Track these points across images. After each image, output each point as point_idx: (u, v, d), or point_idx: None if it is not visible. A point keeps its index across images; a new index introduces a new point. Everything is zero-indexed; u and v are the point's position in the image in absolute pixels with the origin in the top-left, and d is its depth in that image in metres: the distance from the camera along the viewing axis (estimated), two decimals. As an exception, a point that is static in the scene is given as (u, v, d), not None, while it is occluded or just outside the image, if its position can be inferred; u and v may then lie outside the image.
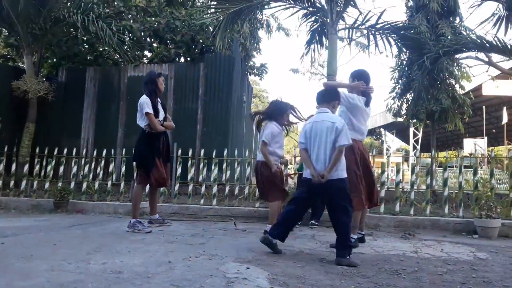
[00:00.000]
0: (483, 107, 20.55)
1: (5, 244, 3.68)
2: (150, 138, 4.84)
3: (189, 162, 6.92)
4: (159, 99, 5.02)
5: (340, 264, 3.24)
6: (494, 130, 25.04)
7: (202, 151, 7.11)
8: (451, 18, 9.95)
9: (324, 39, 7.56)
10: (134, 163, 5.15)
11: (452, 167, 18.71)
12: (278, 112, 4.55)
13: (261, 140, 4.49)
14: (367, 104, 4.23)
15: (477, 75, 12.99)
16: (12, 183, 7.33)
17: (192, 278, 2.67)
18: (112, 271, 2.79)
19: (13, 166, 7.57)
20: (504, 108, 19.51)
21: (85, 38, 9.96)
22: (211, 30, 9.00)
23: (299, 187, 3.70)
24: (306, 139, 3.65)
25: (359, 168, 4.04)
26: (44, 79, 9.05)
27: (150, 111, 4.75)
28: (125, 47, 8.94)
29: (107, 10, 9.42)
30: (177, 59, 10.03)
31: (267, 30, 12.81)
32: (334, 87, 4.15)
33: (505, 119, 19.60)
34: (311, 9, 7.22)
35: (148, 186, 5.20)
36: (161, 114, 4.98)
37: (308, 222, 5.52)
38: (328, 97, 3.84)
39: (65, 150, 7.52)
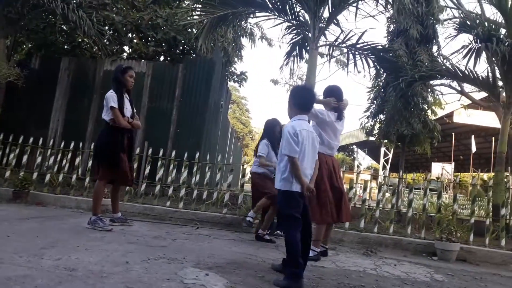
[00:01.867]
0: (453, 133, 21.23)
1: (-47, 232, 3.50)
2: (114, 132, 4.70)
3: (159, 163, 6.79)
4: (127, 96, 4.89)
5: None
6: (461, 157, 25.89)
7: (174, 153, 7.00)
8: (429, 45, 10.29)
9: (304, 52, 7.68)
10: (96, 158, 4.80)
11: (419, 189, 19.19)
12: (270, 129, 5.31)
13: (258, 155, 5.16)
14: (339, 118, 4.29)
15: (449, 102, 13.49)
16: (-30, 169, 7.02)
17: (148, 281, 2.60)
18: (65, 268, 2.68)
19: (-27, 152, 7.24)
20: (473, 136, 20.22)
21: (64, 27, 9.71)
22: (194, 32, 8.96)
23: (291, 206, 3.07)
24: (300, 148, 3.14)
25: (325, 182, 4.08)
26: (16, 65, 8.74)
27: (115, 105, 4.63)
28: (105, 40, 8.76)
29: (91, 0, 9.22)
30: (157, 58, 9.91)
31: (251, 39, 12.83)
32: None
33: (473, 149, 20.28)
34: (294, 22, 7.31)
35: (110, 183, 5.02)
36: (128, 111, 4.85)
37: (273, 232, 5.50)
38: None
39: (31, 139, 7.26)
